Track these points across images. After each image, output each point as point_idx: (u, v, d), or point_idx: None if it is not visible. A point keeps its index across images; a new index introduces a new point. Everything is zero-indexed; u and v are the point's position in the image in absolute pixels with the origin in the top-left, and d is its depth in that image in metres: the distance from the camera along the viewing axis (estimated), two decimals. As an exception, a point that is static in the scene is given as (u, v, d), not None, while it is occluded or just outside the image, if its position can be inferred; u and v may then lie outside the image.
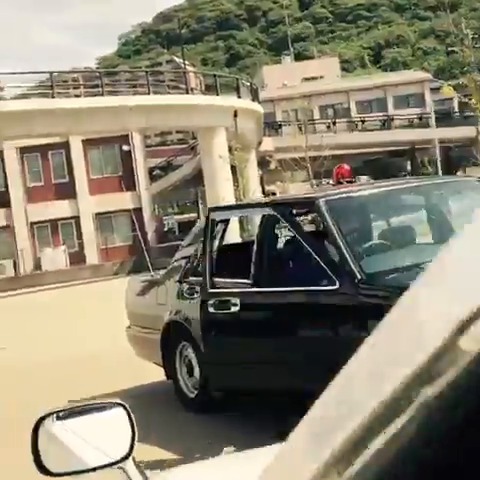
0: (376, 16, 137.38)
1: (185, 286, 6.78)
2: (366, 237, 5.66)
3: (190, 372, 6.79)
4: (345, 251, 4.89)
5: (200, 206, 50.48)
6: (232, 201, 30.03)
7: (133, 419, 1.69)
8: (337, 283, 4.84)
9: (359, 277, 4.73)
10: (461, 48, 11.93)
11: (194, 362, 6.68)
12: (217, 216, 6.76)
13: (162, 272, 7.83)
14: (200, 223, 7.50)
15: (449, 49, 74.94)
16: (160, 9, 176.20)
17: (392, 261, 5.09)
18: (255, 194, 32.84)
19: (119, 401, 1.71)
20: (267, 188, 49.72)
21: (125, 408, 1.67)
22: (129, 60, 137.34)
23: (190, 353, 6.74)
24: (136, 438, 1.68)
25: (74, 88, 34.63)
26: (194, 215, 49.59)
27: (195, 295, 6.59)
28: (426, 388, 0.54)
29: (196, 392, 6.70)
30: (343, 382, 0.75)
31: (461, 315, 0.53)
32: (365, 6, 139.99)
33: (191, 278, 6.79)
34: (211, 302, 6.00)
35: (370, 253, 5.27)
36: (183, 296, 6.79)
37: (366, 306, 4.57)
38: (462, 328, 0.53)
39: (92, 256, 40.03)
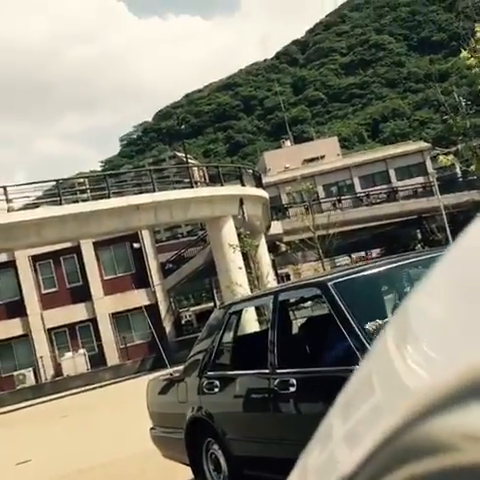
0: (369, 93, 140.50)
1: (205, 381, 6.72)
2: (379, 315, 5.59)
3: (217, 469, 6.66)
4: (359, 332, 4.92)
5: (215, 295, 50.46)
6: (247, 288, 30.02)
7: None
8: (355, 364, 4.81)
9: None
10: (454, 116, 12.12)
11: (221, 459, 6.56)
12: (231, 310, 6.94)
13: (181, 368, 7.79)
14: (214, 315, 7.51)
15: (444, 117, 76.14)
16: (159, 107, 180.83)
17: None
18: (268, 278, 32.84)
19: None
20: (280, 271, 49.82)
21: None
22: (133, 160, 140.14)
23: (216, 449, 6.62)
24: None
25: (81, 193, 35.23)
26: (211, 305, 49.50)
27: (216, 389, 6.54)
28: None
29: None
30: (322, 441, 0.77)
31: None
32: (357, 85, 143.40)
33: (210, 372, 6.74)
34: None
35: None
36: (203, 391, 6.70)
37: None
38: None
39: (112, 356, 39.83)
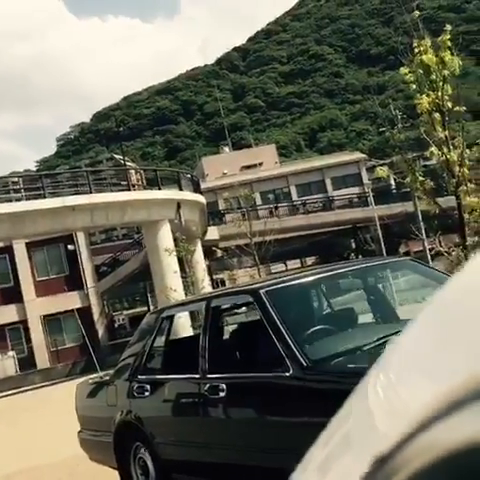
0: (307, 102, 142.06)
1: (135, 384, 6.70)
2: (309, 323, 5.71)
3: (145, 473, 6.66)
4: (289, 339, 4.99)
5: (149, 300, 50.19)
6: (181, 292, 29.94)
7: None
8: (284, 370, 4.91)
9: (305, 364, 4.83)
10: (390, 129, 12.39)
11: (149, 463, 6.55)
12: (163, 314, 7.00)
13: (111, 372, 7.75)
14: (146, 319, 7.53)
15: (380, 129, 77.70)
16: (97, 109, 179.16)
17: (336, 345, 5.22)
18: (204, 283, 32.86)
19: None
20: (215, 276, 49.87)
21: None
22: (69, 160, 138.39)
23: (144, 454, 6.61)
24: None
25: (15, 192, 34.52)
26: (144, 309, 49.19)
27: (146, 393, 6.52)
28: None
29: None
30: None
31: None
32: (296, 94, 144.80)
33: (140, 376, 6.72)
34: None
35: (315, 339, 5.35)
36: (133, 395, 6.68)
37: (313, 391, 4.68)
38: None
39: (42, 359, 39.17)
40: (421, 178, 9.36)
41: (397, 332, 4.41)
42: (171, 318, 7.14)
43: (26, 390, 31.64)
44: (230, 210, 47.23)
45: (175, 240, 31.70)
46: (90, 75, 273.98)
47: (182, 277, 31.47)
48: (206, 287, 32.53)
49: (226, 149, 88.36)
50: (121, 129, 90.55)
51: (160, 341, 7.09)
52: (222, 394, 5.50)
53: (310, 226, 52.34)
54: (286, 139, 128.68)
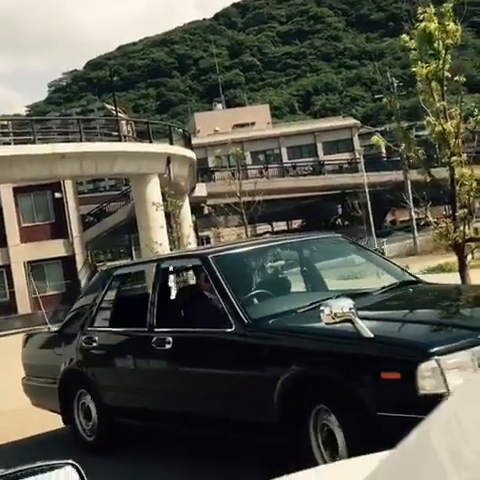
0: (304, 64, 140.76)
1: (84, 335, 7.17)
2: (251, 287, 6.35)
3: (87, 417, 7.16)
4: (233, 299, 5.58)
5: (134, 252, 50.14)
6: (167, 247, 29.93)
7: (85, 477, 1.67)
8: (227, 327, 5.47)
9: (246, 322, 5.39)
10: (387, 96, 12.31)
11: (92, 408, 7.06)
12: (116, 272, 7.61)
13: (61, 323, 8.21)
14: (99, 275, 7.96)
15: (375, 96, 77.26)
16: (91, 57, 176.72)
17: (274, 307, 5.82)
18: (189, 239, 32.83)
19: (70, 461, 1.69)
20: (201, 233, 49.85)
21: (76, 467, 1.65)
22: (60, 107, 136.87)
23: (88, 400, 7.12)
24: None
25: (3, 135, 34.13)
26: (128, 261, 49.19)
27: (94, 344, 7.02)
28: None
29: (94, 436, 7.12)
30: None
31: None
32: (293, 55, 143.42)
33: (89, 328, 7.19)
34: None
35: (255, 301, 5.98)
36: (81, 345, 7.14)
37: (253, 346, 5.34)
38: None
39: (24, 305, 39.20)
40: (416, 147, 9.35)
41: (327, 299, 5.19)
42: (123, 276, 7.76)
43: (6, 335, 31.70)
44: (220, 168, 47.04)
45: (163, 194, 31.55)
46: (85, 21, 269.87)
47: (168, 232, 31.41)
48: (192, 243, 32.53)
49: (219, 106, 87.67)
50: (114, 79, 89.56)
51: (111, 296, 7.54)
52: (168, 346, 6.01)
53: (299, 189, 52.29)
54: (280, 100, 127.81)
